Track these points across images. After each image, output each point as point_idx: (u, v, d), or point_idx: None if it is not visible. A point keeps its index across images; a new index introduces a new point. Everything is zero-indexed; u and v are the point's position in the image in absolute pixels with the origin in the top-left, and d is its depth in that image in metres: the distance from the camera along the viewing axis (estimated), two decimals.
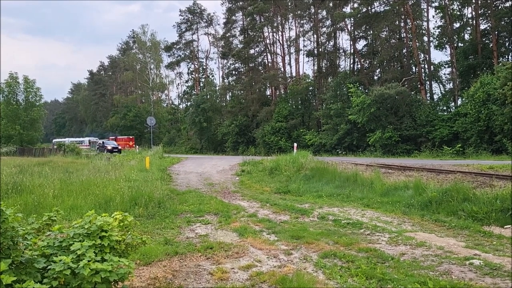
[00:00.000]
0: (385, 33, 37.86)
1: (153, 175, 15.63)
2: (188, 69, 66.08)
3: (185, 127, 57.49)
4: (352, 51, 41.63)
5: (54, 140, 67.82)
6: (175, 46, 63.58)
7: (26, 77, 46.90)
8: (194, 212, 9.47)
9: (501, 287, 4.58)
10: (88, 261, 3.19)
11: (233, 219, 8.64)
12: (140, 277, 5.04)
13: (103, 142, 45.60)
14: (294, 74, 47.51)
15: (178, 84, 72.89)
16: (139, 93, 73.84)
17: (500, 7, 32.94)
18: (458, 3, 37.12)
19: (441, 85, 40.48)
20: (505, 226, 7.56)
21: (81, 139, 70.34)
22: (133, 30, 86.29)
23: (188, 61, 64.69)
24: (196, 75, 64.45)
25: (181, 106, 71.55)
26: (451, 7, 36.93)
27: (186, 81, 67.27)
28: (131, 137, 58.66)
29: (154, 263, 5.65)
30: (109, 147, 41.00)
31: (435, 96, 37.76)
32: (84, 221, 3.76)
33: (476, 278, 4.86)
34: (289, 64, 47.82)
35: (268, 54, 48.37)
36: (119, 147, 42.48)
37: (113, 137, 56.26)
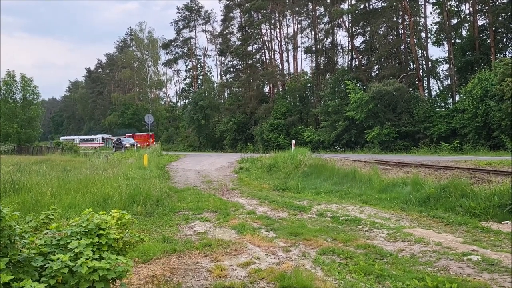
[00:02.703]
0: (382, 29, 37.82)
1: (151, 172, 15.58)
2: (186, 67, 65.88)
3: (183, 125, 57.32)
4: (350, 48, 41.58)
5: (61, 138, 65.34)
6: (172, 43, 63.32)
7: (23, 75, 46.83)
8: (193, 209, 9.46)
9: (499, 283, 4.59)
10: (86, 259, 3.18)
11: (231, 216, 8.64)
12: (139, 275, 5.04)
13: (120, 140, 42.22)
14: (292, 71, 47.43)
15: (176, 81, 72.82)
16: (137, 90, 73.60)
17: (497, 3, 32.90)
18: None
19: (439, 81, 40.46)
20: (502, 222, 7.58)
21: (92, 136, 68.39)
22: (130, 27, 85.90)
23: (186, 58, 64.45)
24: (194, 72, 64.25)
25: (179, 104, 71.28)
26: (448, 3, 36.81)
27: (184, 79, 67.11)
28: (151, 134, 53.78)
29: (153, 260, 5.64)
30: (128, 145, 38.22)
31: (433, 93, 37.73)
32: (82, 219, 3.75)
33: (474, 274, 4.87)
34: (287, 61, 47.80)
35: (266, 51, 48.25)
36: (138, 145, 39.05)
37: (130, 134, 52.92)
